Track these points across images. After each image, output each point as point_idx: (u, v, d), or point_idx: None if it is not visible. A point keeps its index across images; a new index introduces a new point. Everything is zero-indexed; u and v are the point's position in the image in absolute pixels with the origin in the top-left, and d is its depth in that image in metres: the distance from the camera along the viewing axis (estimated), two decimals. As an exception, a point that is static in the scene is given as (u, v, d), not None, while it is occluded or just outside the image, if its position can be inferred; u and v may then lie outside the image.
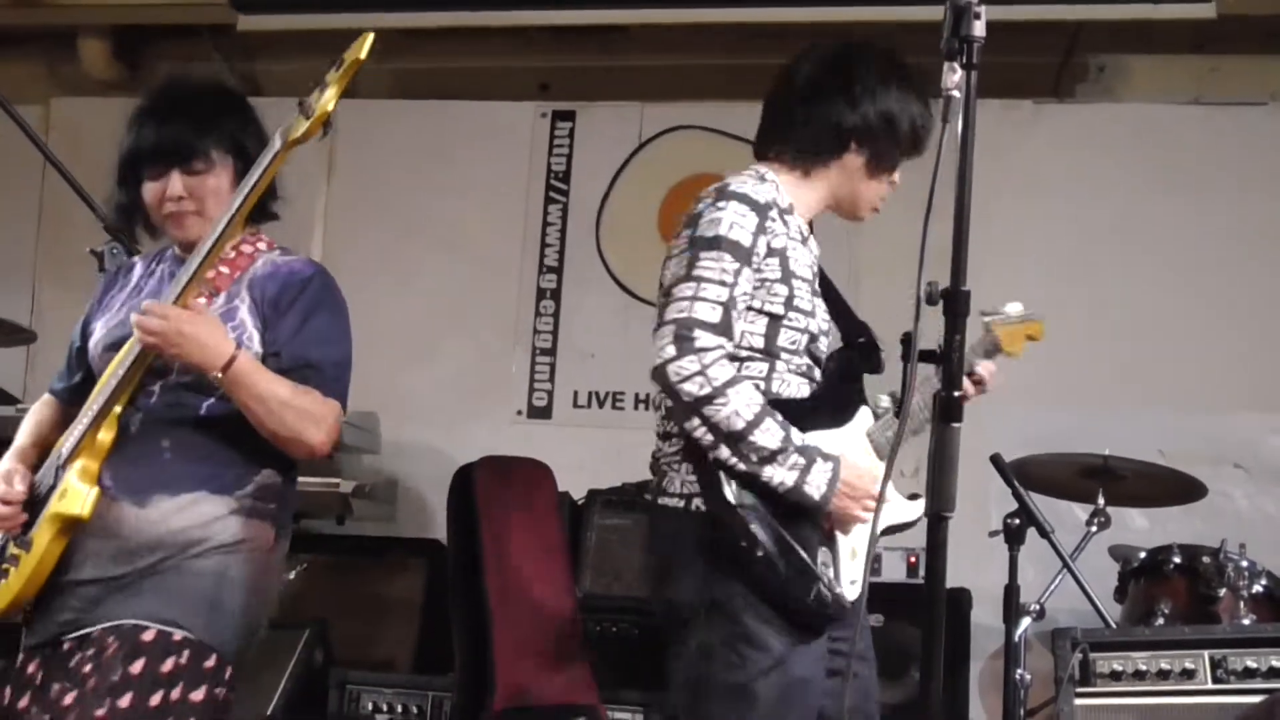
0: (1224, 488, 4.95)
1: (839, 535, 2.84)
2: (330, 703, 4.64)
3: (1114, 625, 4.05)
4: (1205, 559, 4.03)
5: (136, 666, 2.62)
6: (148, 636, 2.65)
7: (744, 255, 2.80)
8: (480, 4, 5.55)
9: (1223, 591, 3.96)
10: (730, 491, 2.77)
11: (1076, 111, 5.71)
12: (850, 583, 2.83)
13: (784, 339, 2.87)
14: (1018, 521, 3.91)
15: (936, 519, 2.14)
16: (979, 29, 2.17)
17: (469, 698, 4.39)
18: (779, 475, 2.75)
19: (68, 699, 2.63)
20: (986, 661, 4.68)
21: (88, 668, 2.65)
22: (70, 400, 2.97)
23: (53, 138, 5.46)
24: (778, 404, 2.82)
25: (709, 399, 2.72)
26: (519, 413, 5.86)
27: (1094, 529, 4.20)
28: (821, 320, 2.97)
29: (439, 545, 4.95)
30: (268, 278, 2.88)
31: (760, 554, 2.75)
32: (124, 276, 3.05)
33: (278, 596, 2.94)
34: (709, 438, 2.75)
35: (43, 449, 2.93)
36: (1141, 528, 4.83)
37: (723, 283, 2.78)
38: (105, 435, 2.76)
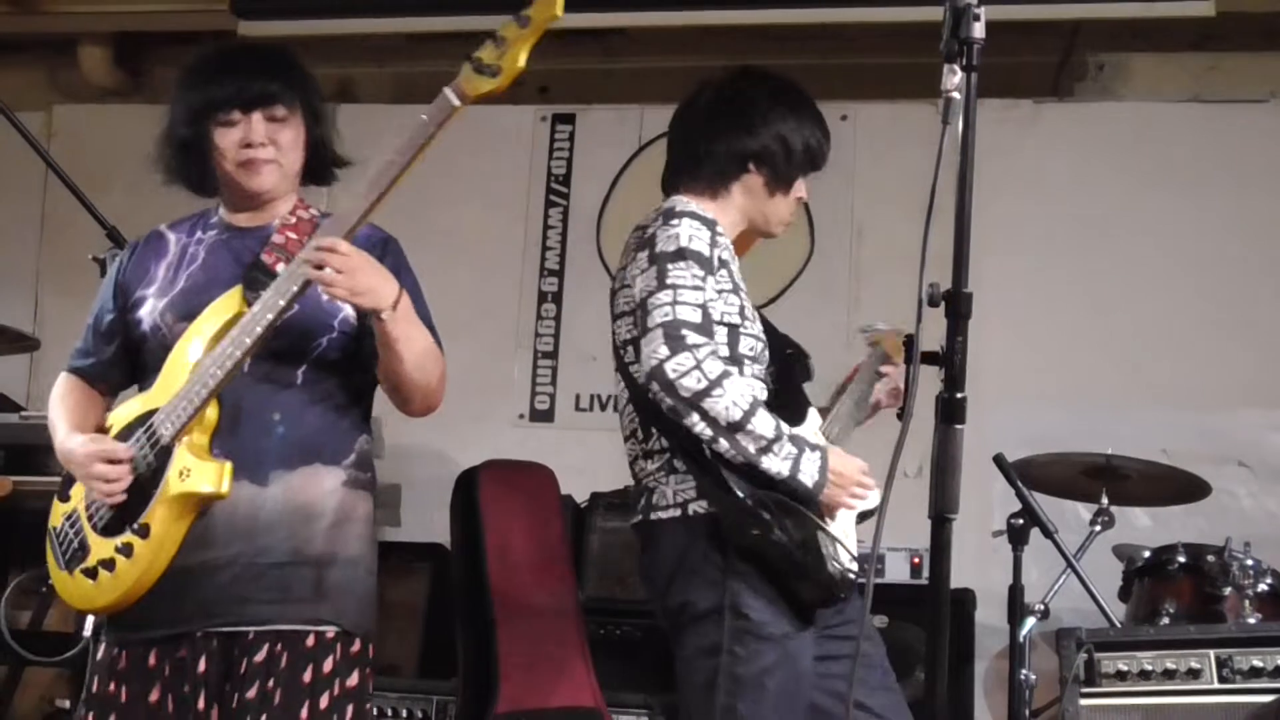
0: (1228, 486, 4.95)
1: (828, 522, 2.93)
2: (335, 707, 4.65)
3: (1119, 625, 4.05)
4: (1210, 558, 4.03)
5: (307, 675, 2.64)
6: (310, 642, 2.66)
7: (706, 264, 2.92)
8: (478, 9, 5.53)
9: (1228, 590, 3.95)
10: (736, 484, 2.82)
11: (1076, 110, 5.71)
12: (851, 560, 2.96)
13: (744, 347, 2.97)
14: (1021, 522, 3.90)
15: (940, 520, 2.14)
16: (979, 31, 2.18)
17: (473, 702, 4.39)
18: (775, 465, 2.81)
19: (249, 695, 2.61)
20: (991, 661, 4.69)
21: (260, 674, 2.62)
22: (102, 377, 2.88)
23: (54, 145, 5.46)
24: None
25: (706, 392, 2.78)
26: (521, 416, 5.87)
27: (1098, 528, 4.20)
28: (760, 331, 3.06)
29: (442, 549, 4.95)
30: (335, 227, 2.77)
31: (777, 539, 2.80)
32: (155, 245, 2.91)
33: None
34: (709, 431, 2.81)
35: (93, 429, 2.81)
36: (1145, 527, 4.83)
37: (696, 288, 2.89)
38: (211, 411, 2.64)
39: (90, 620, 2.77)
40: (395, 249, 2.90)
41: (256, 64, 2.84)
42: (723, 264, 2.97)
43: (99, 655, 2.74)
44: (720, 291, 2.95)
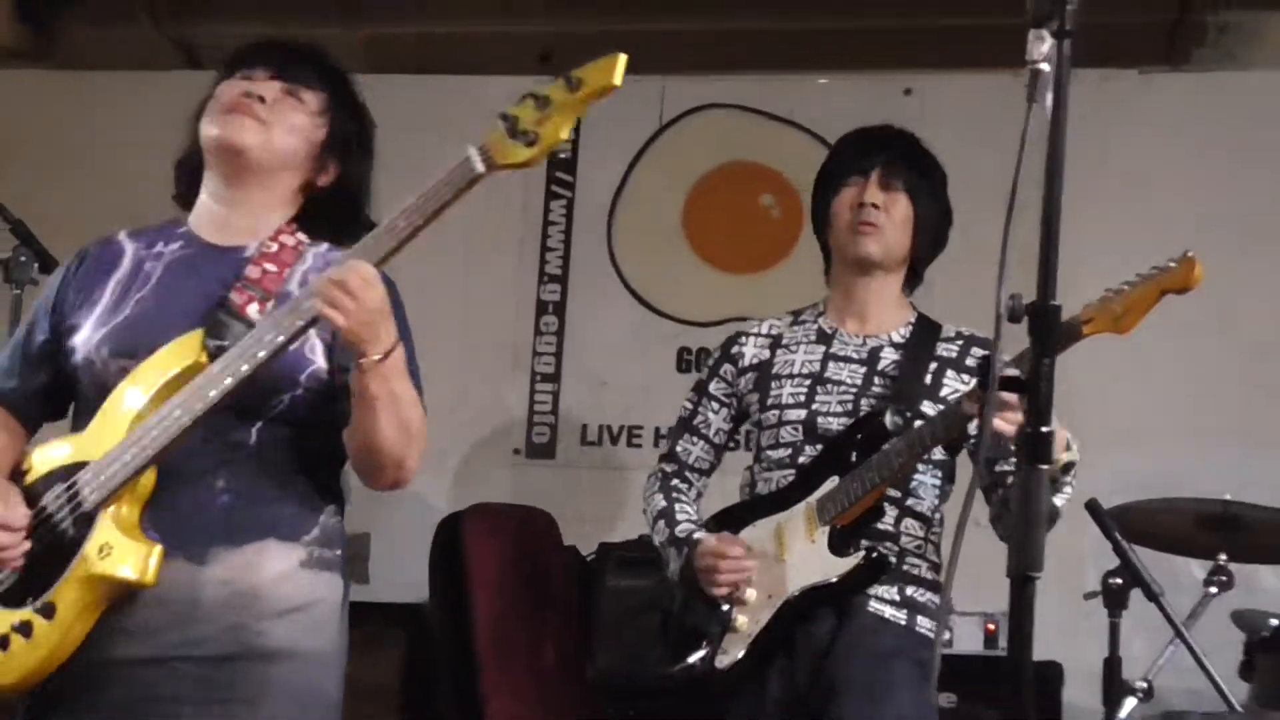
0: (1371, 541, 4.96)
1: (734, 612, 3.46)
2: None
3: (1239, 709, 4.06)
4: (1349, 627, 4.05)
5: None
6: None
7: (701, 387, 3.75)
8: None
9: (1369, 666, 3.97)
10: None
11: (1192, 81, 5.75)
12: (722, 653, 3.45)
13: (764, 439, 3.60)
14: (1119, 581, 3.93)
15: (1022, 579, 2.16)
16: (1074, -12, 2.19)
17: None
18: (670, 567, 3.60)
19: None
20: (1084, 752, 4.70)
21: None
22: (24, 407, 2.89)
23: (-48, 119, 5.50)
24: (747, 503, 3.62)
25: (645, 510, 3.74)
26: (516, 451, 5.90)
27: (1214, 590, 4.20)
28: (835, 404, 3.54)
29: (420, 611, 4.98)
30: (322, 265, 2.85)
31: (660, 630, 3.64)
32: (106, 256, 2.93)
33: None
34: None
35: (5, 470, 2.80)
36: (1273, 589, 4.84)
37: (680, 416, 3.77)
38: (147, 479, 2.65)
39: None
40: (394, 295, 2.84)
41: (303, 47, 2.97)
42: (743, 371, 3.66)
43: None
44: (734, 397, 3.69)
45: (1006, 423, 2.98)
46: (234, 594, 2.68)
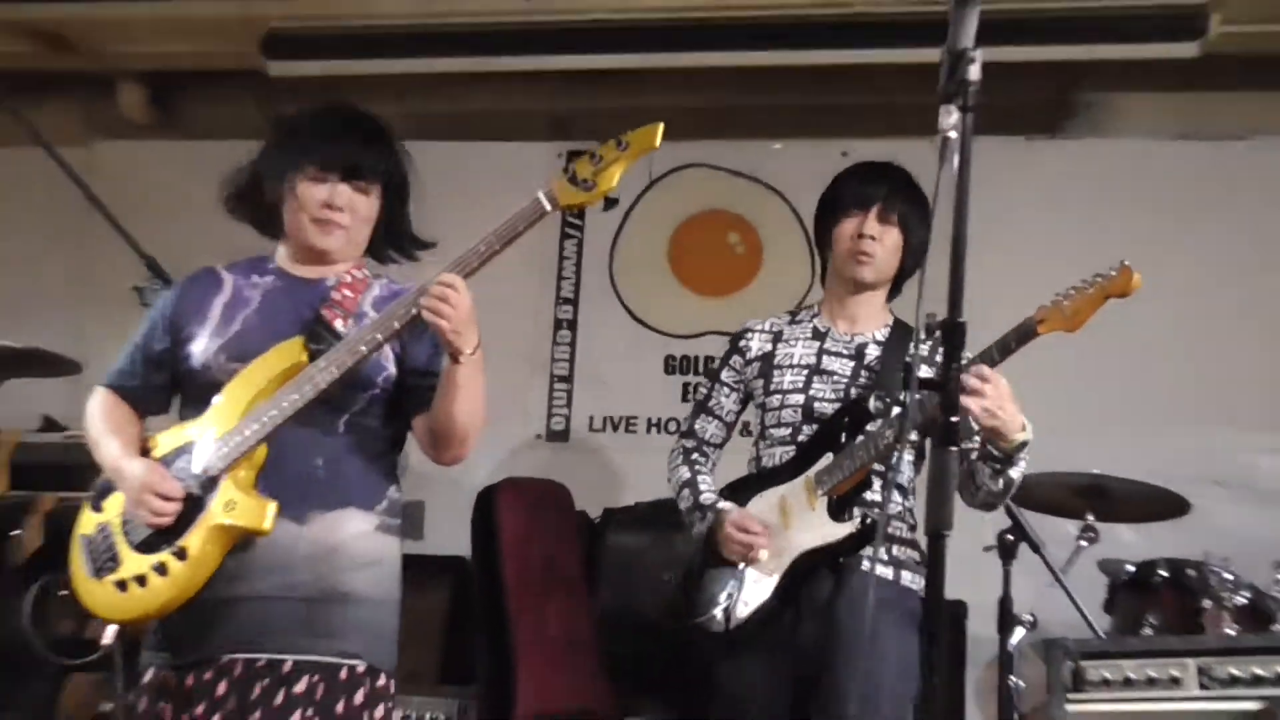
0: (1207, 504, 4.94)
1: (748, 570, 3.35)
2: (360, 713, 4.66)
3: (1104, 636, 4.06)
4: (1190, 572, 4.04)
5: (340, 706, 2.66)
6: (343, 675, 2.69)
7: (714, 375, 3.66)
8: (497, 50, 5.59)
9: (1207, 603, 3.96)
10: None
11: (1068, 147, 5.73)
12: (744, 604, 3.33)
13: (769, 420, 3.49)
14: (1011, 537, 3.94)
15: (936, 536, 2.16)
16: (975, 73, 2.18)
17: (492, 707, 4.41)
18: (695, 528, 3.47)
19: None
20: (982, 670, 4.69)
21: (301, 704, 2.64)
22: (144, 400, 2.92)
23: (95, 179, 5.46)
24: (754, 477, 3.48)
25: (670, 475, 3.60)
26: (538, 436, 5.88)
27: (1084, 544, 4.22)
28: (830, 391, 3.44)
29: (463, 562, 4.98)
30: (390, 300, 2.87)
31: (676, 580, 3.50)
32: (209, 283, 2.96)
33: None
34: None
35: (139, 450, 2.83)
36: (1129, 542, 4.82)
37: (696, 400, 3.69)
38: (260, 451, 2.68)
39: (111, 630, 2.78)
40: None
41: (358, 133, 2.92)
42: (750, 362, 3.57)
43: (146, 677, 2.76)
44: (748, 384, 3.57)
45: (975, 404, 3.00)
46: (323, 548, 2.72)
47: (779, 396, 3.46)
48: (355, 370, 2.73)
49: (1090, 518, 4.22)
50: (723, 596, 3.35)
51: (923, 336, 2.27)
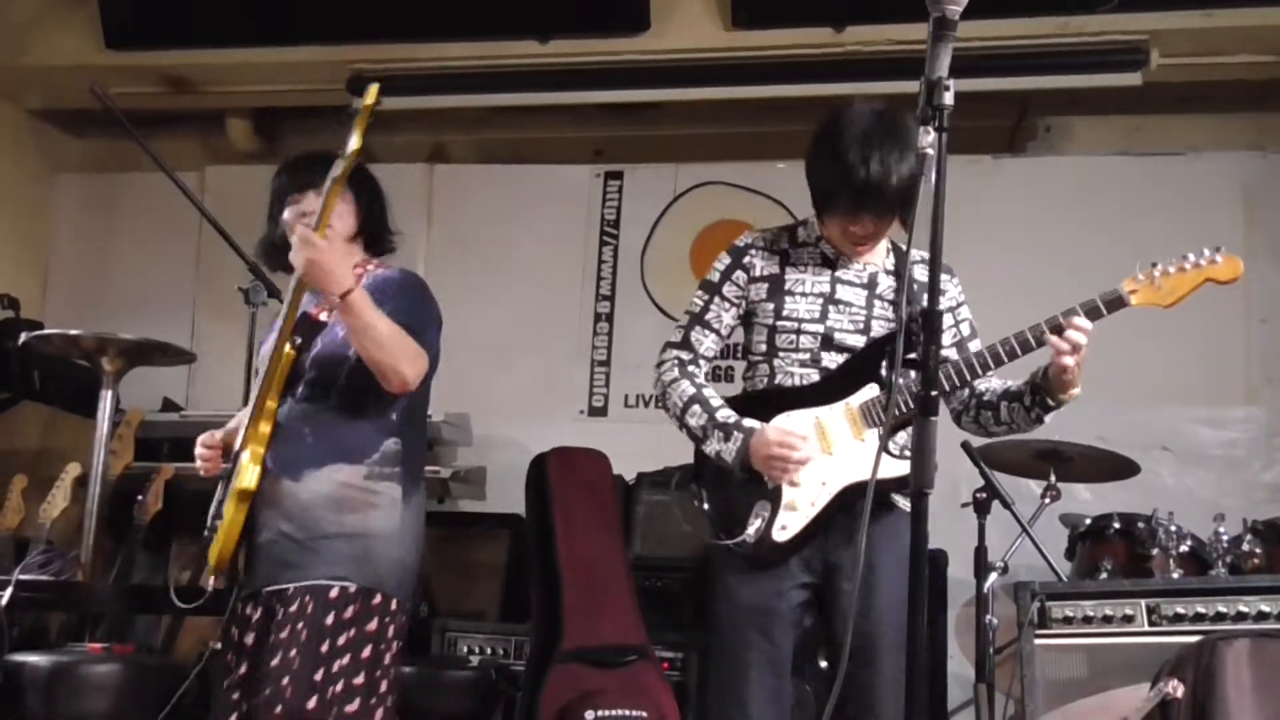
0: (1154, 467, 4.91)
1: (784, 491, 2.89)
2: (433, 646, 4.67)
3: (1065, 579, 4.02)
4: (1140, 525, 4.00)
5: (330, 618, 2.74)
6: (333, 594, 2.76)
7: (713, 288, 3.07)
8: (546, 87, 5.57)
9: (1155, 551, 3.92)
10: (695, 465, 3.05)
11: (1028, 164, 5.68)
12: (780, 528, 2.88)
13: (781, 342, 2.99)
14: (984, 495, 3.88)
15: (919, 494, 2.13)
16: (948, 99, 2.16)
17: (544, 640, 4.39)
18: (711, 446, 2.93)
19: (283, 635, 2.73)
20: (961, 609, 4.65)
21: (294, 619, 2.74)
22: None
23: (207, 199, 5.51)
24: (774, 392, 2.97)
25: (663, 394, 3.07)
26: (581, 412, 5.86)
27: (1047, 501, 4.16)
28: (847, 322, 2.98)
29: (519, 519, 4.96)
30: (369, 285, 2.92)
31: (702, 506, 3.00)
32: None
33: (422, 531, 2.96)
34: (674, 421, 3.04)
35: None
36: (1086, 500, 4.79)
37: (690, 311, 3.10)
38: (265, 427, 2.84)
39: (211, 580, 2.94)
40: (400, 282, 3.00)
41: (306, 162, 3.07)
42: (758, 279, 3.03)
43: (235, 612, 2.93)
44: (754, 301, 3.03)
45: (1070, 357, 2.79)
46: (316, 497, 2.83)
47: (794, 323, 2.97)
48: (326, 349, 2.89)
49: (1053, 478, 4.17)
50: (754, 517, 2.88)
51: (905, 321, 2.21)
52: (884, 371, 2.93)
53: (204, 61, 5.75)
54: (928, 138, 2.15)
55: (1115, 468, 4.34)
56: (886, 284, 3.04)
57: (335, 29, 5.50)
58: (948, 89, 2.16)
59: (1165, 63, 5.03)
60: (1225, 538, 3.91)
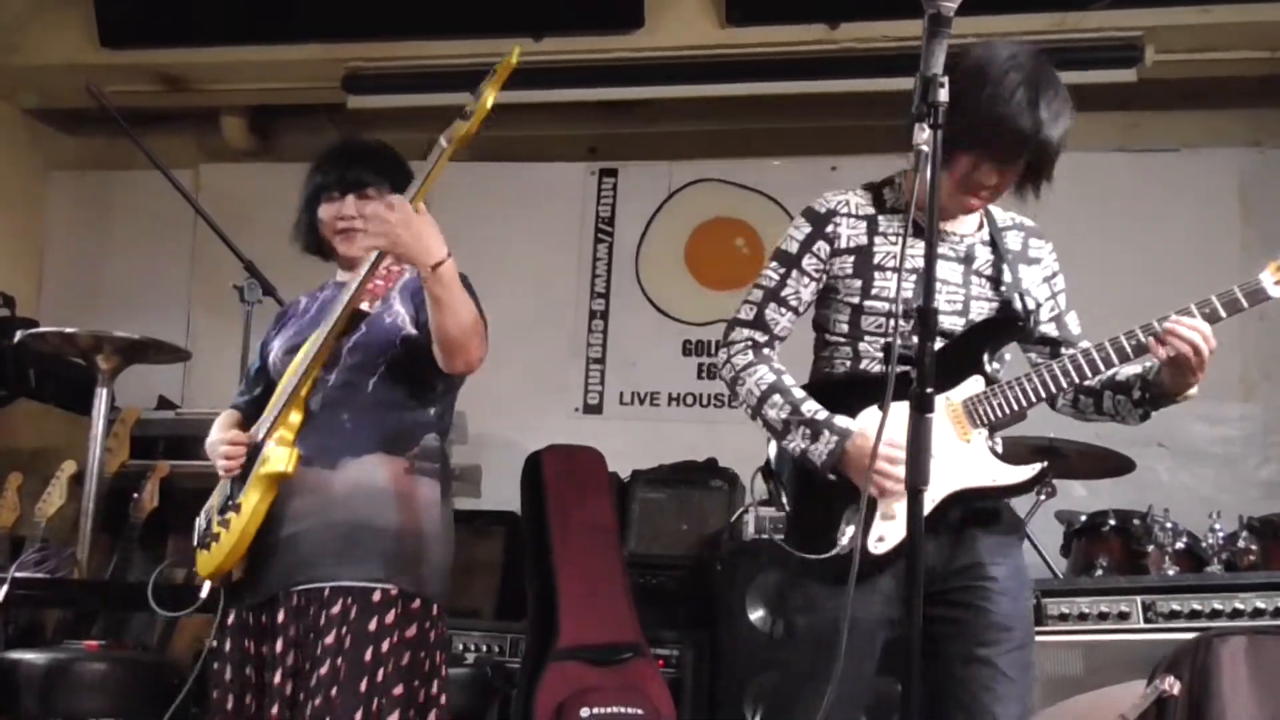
0: (1149, 463, 4.90)
1: (887, 500, 2.48)
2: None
3: (1061, 576, 4.02)
4: (1135, 522, 3.99)
5: (373, 624, 2.58)
6: (376, 598, 2.59)
7: (791, 260, 2.64)
8: (540, 84, 5.56)
9: (1150, 548, 3.91)
10: (771, 454, 2.64)
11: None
12: (877, 539, 2.48)
13: (867, 324, 2.60)
14: (981, 492, 3.87)
15: (915, 491, 2.12)
16: (943, 95, 2.14)
17: (539, 638, 4.39)
18: (793, 443, 2.53)
19: (328, 641, 2.56)
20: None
21: (336, 624, 2.57)
22: (251, 413, 2.88)
23: (202, 196, 5.48)
24: (862, 380, 2.59)
25: (734, 380, 2.63)
26: (576, 409, 5.86)
27: (1043, 498, 4.16)
28: (944, 302, 2.57)
29: (515, 517, 4.95)
30: (412, 282, 2.82)
31: (781, 507, 2.66)
32: (294, 309, 2.99)
33: (453, 536, 2.82)
34: (747, 411, 2.63)
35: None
36: (1081, 496, 4.79)
37: (763, 286, 2.66)
38: (296, 416, 2.66)
39: (206, 585, 2.73)
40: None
41: (355, 155, 2.92)
42: (842, 252, 2.61)
43: (229, 620, 2.73)
44: (838, 276, 2.61)
45: (1196, 359, 2.51)
46: (353, 488, 2.67)
47: (885, 304, 2.59)
48: (371, 334, 2.73)
49: (1048, 475, 4.16)
50: (845, 525, 2.50)
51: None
52: (985, 361, 2.59)
53: (199, 60, 5.75)
54: (923, 134, 2.14)
55: (1111, 464, 4.33)
56: (985, 258, 2.69)
57: (330, 27, 5.51)
58: (943, 85, 2.15)
59: (1161, 59, 5.03)
60: (1221, 534, 3.91)
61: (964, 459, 2.54)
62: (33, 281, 6.36)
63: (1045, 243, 2.84)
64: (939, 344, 2.41)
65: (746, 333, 2.65)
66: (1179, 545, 3.90)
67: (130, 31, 5.63)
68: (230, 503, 2.67)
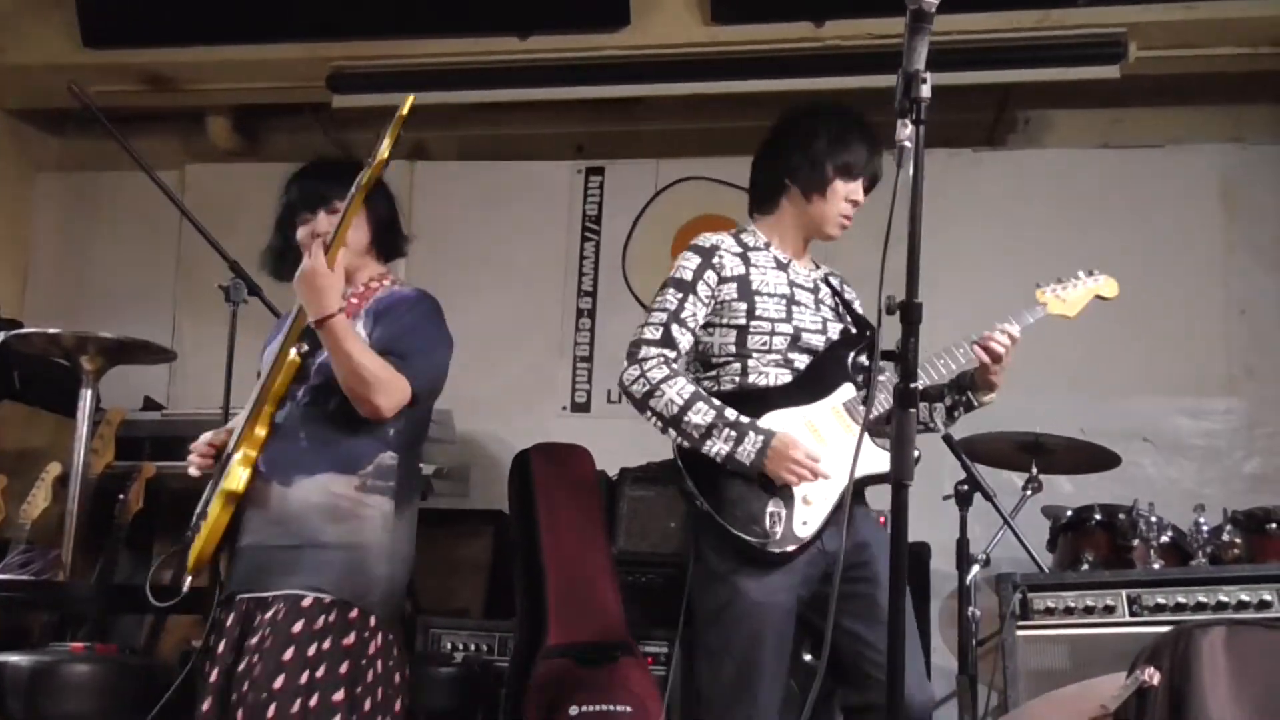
0: (1134, 458, 4.91)
1: (793, 489, 2.87)
2: (417, 644, 4.65)
3: (1047, 570, 4.03)
4: (1121, 516, 4.00)
5: (297, 627, 2.68)
6: (306, 603, 2.71)
7: (686, 287, 3.00)
8: (527, 82, 5.57)
9: (1136, 542, 3.92)
10: (683, 466, 2.92)
11: (1008, 157, 5.69)
12: (802, 524, 2.87)
13: (753, 342, 2.98)
14: (966, 487, 3.89)
15: (899, 486, 2.13)
16: (925, 91, 2.16)
17: (528, 637, 4.38)
18: (716, 446, 2.85)
19: (252, 642, 2.70)
20: (944, 601, 4.66)
21: (265, 626, 2.70)
22: None
23: (188, 197, 5.47)
24: (753, 391, 2.95)
25: (650, 394, 2.91)
26: (564, 408, 5.86)
27: (1029, 493, 4.17)
28: (809, 321, 3.03)
29: (503, 515, 4.95)
30: (382, 300, 2.92)
31: (704, 508, 2.88)
32: (286, 318, 3.05)
33: (411, 550, 2.92)
34: (659, 424, 2.92)
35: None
36: (1067, 491, 4.79)
37: (664, 309, 2.99)
38: (261, 430, 2.81)
39: (189, 580, 2.86)
40: (416, 302, 2.96)
41: (323, 173, 3.01)
42: (727, 280, 3.01)
43: (214, 617, 2.88)
44: (723, 302, 3.01)
45: (1002, 362, 3.01)
46: (305, 505, 2.78)
47: (767, 323, 2.98)
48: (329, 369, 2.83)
49: (1034, 470, 4.17)
50: (765, 516, 2.84)
51: (884, 314, 2.20)
52: (851, 370, 3.00)
53: (183, 59, 5.73)
54: (906, 130, 2.15)
55: (1097, 459, 4.34)
56: (826, 291, 3.14)
57: (315, 26, 5.49)
58: (925, 82, 2.16)
59: (1144, 55, 5.04)
60: (1205, 528, 3.92)
61: (851, 452, 2.71)
62: (17, 282, 6.34)
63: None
64: (806, 360, 2.98)
65: (657, 350, 2.96)
66: (1164, 539, 3.92)
67: (113, 31, 5.61)
68: (204, 508, 2.81)
